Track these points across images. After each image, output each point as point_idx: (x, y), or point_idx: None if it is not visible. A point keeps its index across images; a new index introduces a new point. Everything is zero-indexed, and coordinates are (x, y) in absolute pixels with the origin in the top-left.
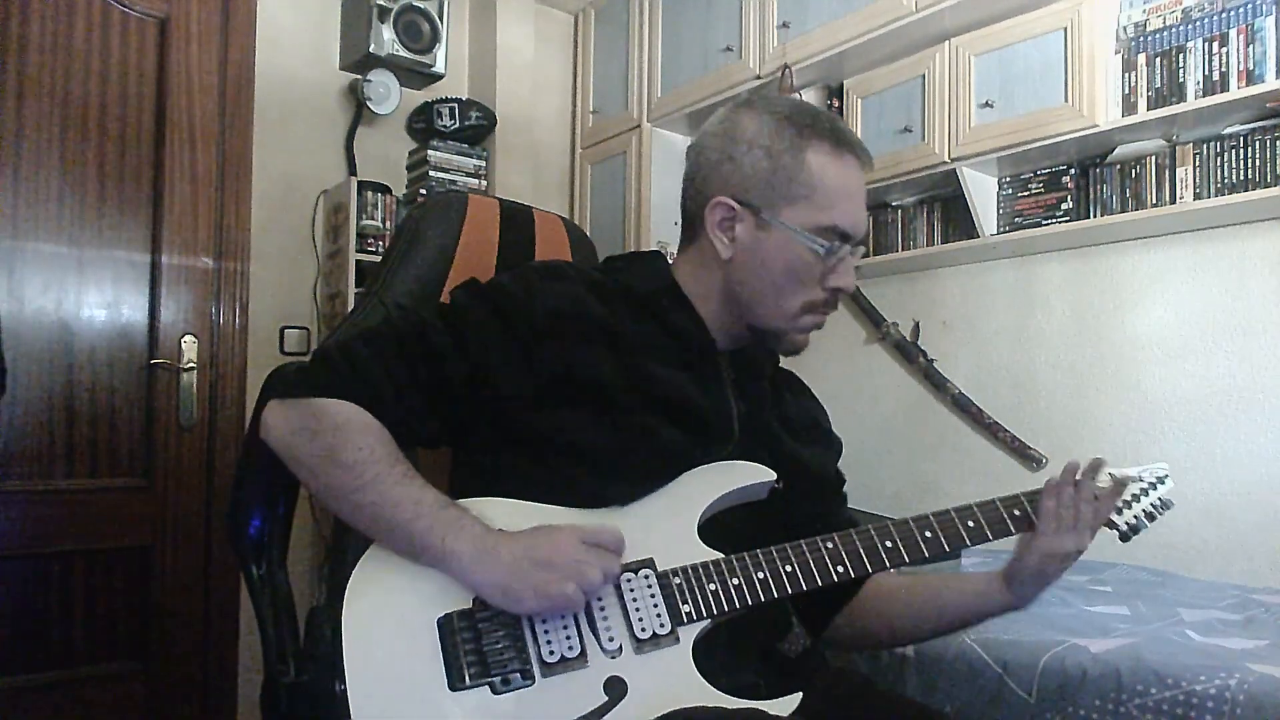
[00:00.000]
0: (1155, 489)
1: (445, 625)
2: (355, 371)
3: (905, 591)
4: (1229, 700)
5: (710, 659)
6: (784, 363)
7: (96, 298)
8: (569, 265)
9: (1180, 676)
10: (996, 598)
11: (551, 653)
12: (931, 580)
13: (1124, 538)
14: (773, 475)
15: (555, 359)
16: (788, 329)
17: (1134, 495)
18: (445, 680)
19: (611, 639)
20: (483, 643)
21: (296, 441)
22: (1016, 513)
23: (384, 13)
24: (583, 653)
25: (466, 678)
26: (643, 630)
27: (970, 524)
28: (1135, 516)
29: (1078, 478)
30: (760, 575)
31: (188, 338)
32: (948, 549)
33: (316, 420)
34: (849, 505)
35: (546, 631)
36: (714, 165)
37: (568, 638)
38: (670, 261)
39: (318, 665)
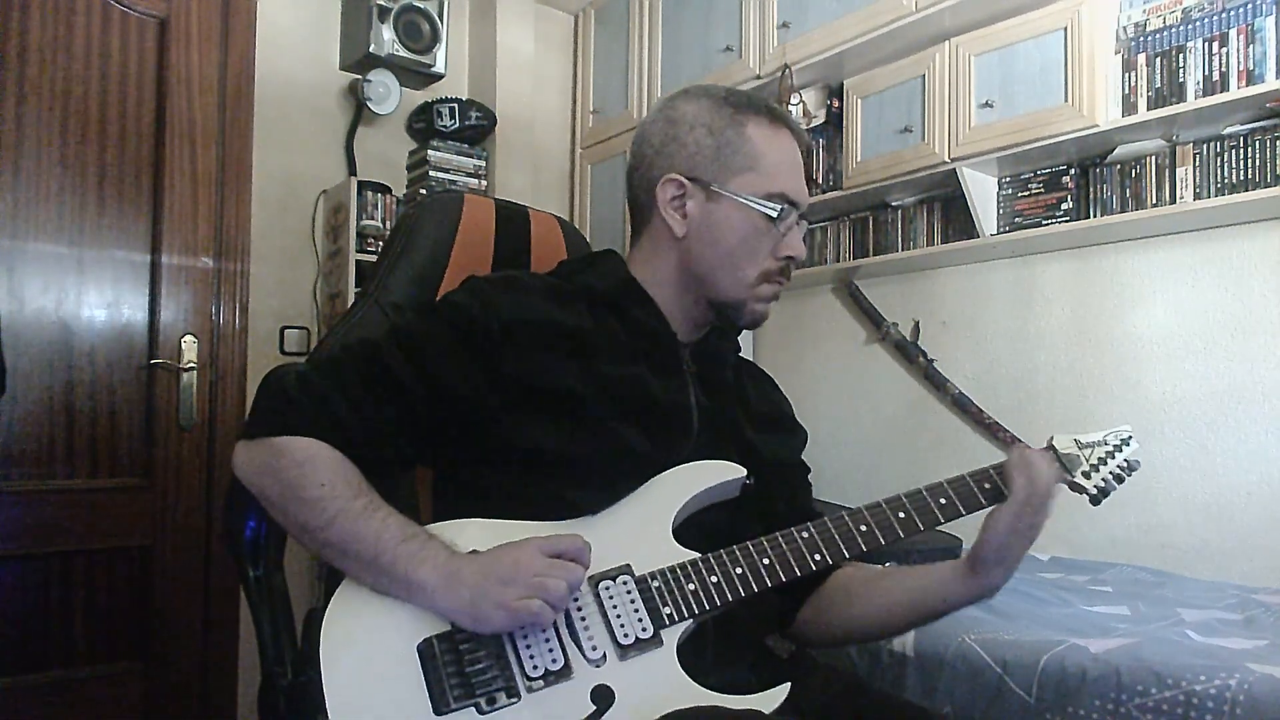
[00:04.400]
0: (1121, 451)
1: (426, 650)
2: (316, 405)
3: (870, 584)
4: (1229, 700)
5: (700, 658)
6: (782, 361)
7: (96, 298)
8: (523, 273)
9: (1180, 676)
10: (963, 583)
11: (535, 667)
12: (896, 572)
13: (1094, 501)
14: (743, 472)
15: (516, 370)
16: (747, 298)
17: (1100, 459)
18: (430, 706)
19: (595, 648)
20: (465, 664)
21: (262, 481)
22: (987, 485)
23: (384, 13)
24: (567, 664)
25: (451, 701)
26: (625, 636)
27: (942, 500)
28: (1104, 479)
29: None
30: (739, 570)
31: (188, 338)
32: (921, 528)
33: (279, 458)
34: (847, 504)
35: (529, 646)
36: (659, 149)
37: (550, 650)
38: (625, 258)
39: (315, 667)
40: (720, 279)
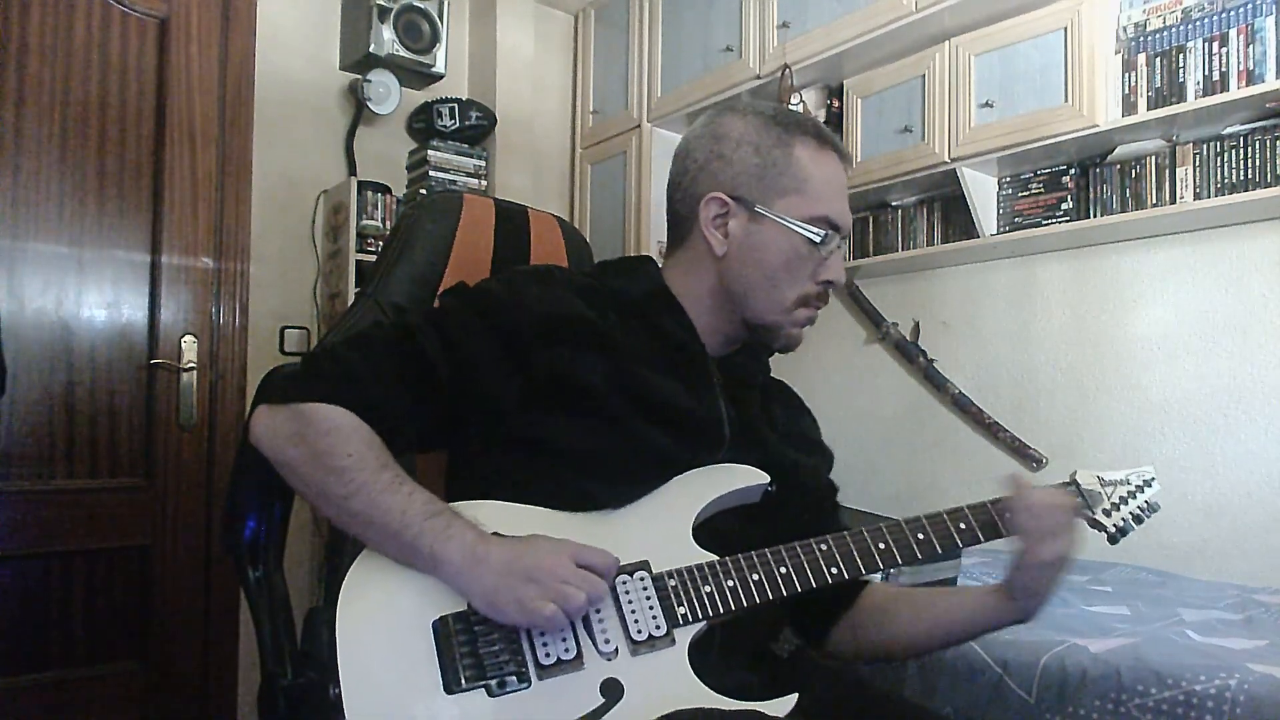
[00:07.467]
0: (1143, 491)
1: (440, 628)
2: (344, 375)
3: (907, 604)
4: (1229, 700)
5: (705, 659)
6: (781, 361)
7: (96, 298)
8: (558, 269)
9: (1180, 676)
10: (1002, 610)
11: (548, 655)
12: (931, 594)
13: (1113, 540)
14: (766, 478)
15: (544, 363)
16: (783, 322)
17: (1121, 498)
18: (441, 683)
19: (608, 641)
20: (478, 645)
21: (286, 447)
22: (1008, 515)
23: (384, 13)
24: (579, 655)
25: (463, 680)
26: (639, 632)
27: (962, 526)
28: (1123, 519)
29: (1031, 485)
30: (755, 577)
31: (188, 338)
32: (940, 551)
33: (306, 425)
34: (849, 505)
35: (543, 633)
36: (703, 165)
37: (564, 640)
38: (660, 266)
39: (315, 667)
40: (757, 300)
